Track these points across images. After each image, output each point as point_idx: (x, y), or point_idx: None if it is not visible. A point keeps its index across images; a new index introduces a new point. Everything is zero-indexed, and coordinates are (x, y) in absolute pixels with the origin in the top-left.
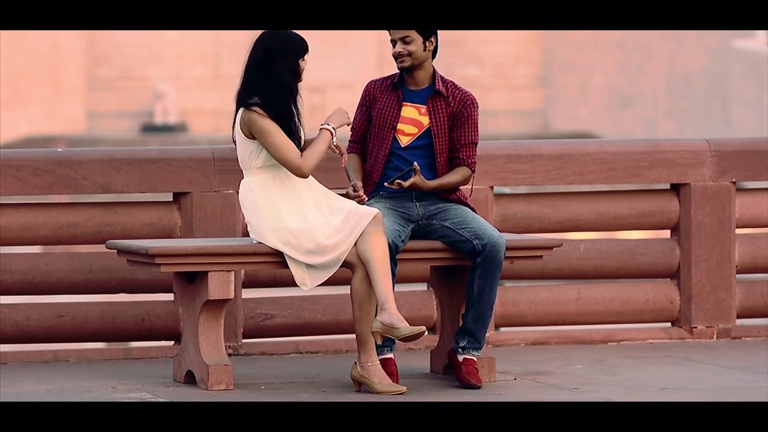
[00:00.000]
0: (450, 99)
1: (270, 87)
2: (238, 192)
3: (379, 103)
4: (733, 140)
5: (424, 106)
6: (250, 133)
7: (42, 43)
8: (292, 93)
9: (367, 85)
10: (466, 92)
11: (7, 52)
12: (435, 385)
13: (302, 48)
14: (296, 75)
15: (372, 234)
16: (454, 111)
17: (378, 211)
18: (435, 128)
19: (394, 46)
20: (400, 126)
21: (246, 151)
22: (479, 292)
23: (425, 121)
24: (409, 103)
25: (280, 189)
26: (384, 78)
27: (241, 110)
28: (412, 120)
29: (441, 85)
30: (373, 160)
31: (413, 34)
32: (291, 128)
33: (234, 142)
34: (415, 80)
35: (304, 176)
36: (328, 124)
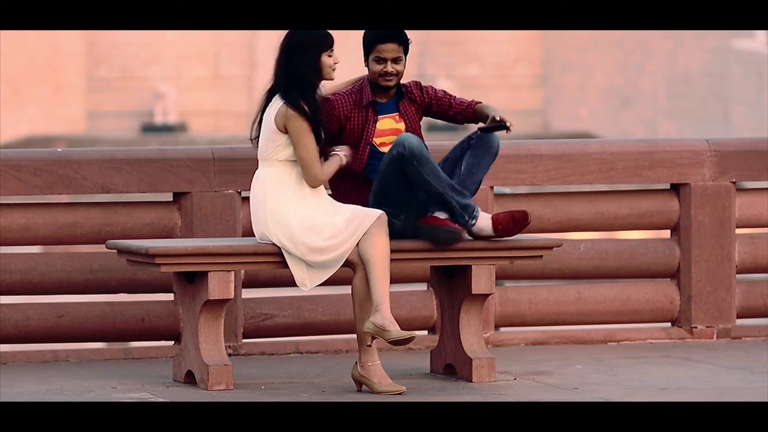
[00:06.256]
0: (415, 97)
1: (290, 83)
2: (238, 192)
3: (351, 121)
4: (733, 140)
5: (397, 113)
6: (285, 128)
7: (42, 43)
8: (312, 89)
9: (334, 103)
10: (415, 83)
11: (7, 52)
12: (435, 385)
13: (323, 43)
14: (316, 70)
15: (375, 235)
16: (425, 103)
17: (382, 212)
18: (411, 130)
19: (379, 63)
20: (381, 140)
21: (273, 142)
22: (470, 165)
23: (402, 127)
24: (385, 115)
25: (293, 186)
26: (348, 93)
27: (281, 104)
28: (392, 130)
29: (404, 88)
30: (349, 174)
31: (402, 54)
32: (318, 124)
33: (252, 139)
34: (388, 93)
35: (314, 186)
36: (340, 152)
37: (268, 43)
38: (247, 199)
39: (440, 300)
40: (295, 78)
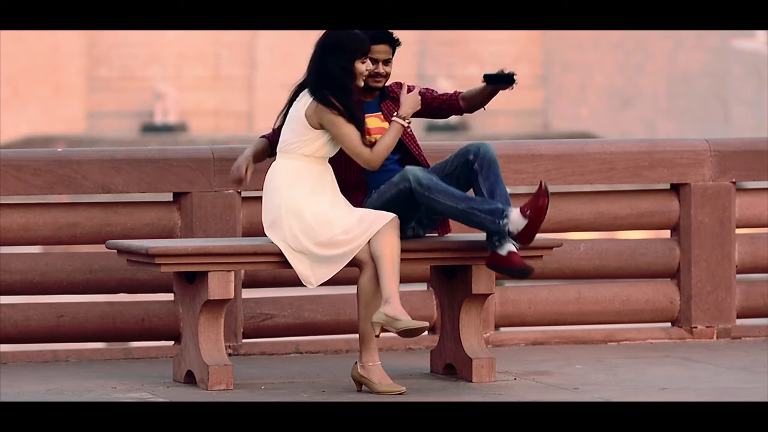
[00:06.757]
0: (397, 97)
1: (320, 82)
2: (238, 192)
3: None
4: (733, 140)
5: (380, 113)
6: (320, 124)
7: (42, 43)
8: (344, 92)
9: None
10: (396, 83)
11: (7, 52)
12: (435, 385)
13: (359, 49)
14: (349, 74)
15: (386, 234)
16: None
17: (395, 215)
18: None
19: (370, 64)
20: (368, 138)
21: (300, 136)
22: (490, 190)
23: (387, 125)
24: (369, 115)
25: (313, 181)
26: None
27: (311, 100)
28: (379, 129)
29: (386, 88)
30: (356, 173)
31: (391, 55)
32: (352, 116)
33: (274, 129)
34: (372, 93)
35: (374, 168)
36: (399, 116)
37: (268, 43)
38: (247, 199)
39: (440, 300)
40: (325, 78)
